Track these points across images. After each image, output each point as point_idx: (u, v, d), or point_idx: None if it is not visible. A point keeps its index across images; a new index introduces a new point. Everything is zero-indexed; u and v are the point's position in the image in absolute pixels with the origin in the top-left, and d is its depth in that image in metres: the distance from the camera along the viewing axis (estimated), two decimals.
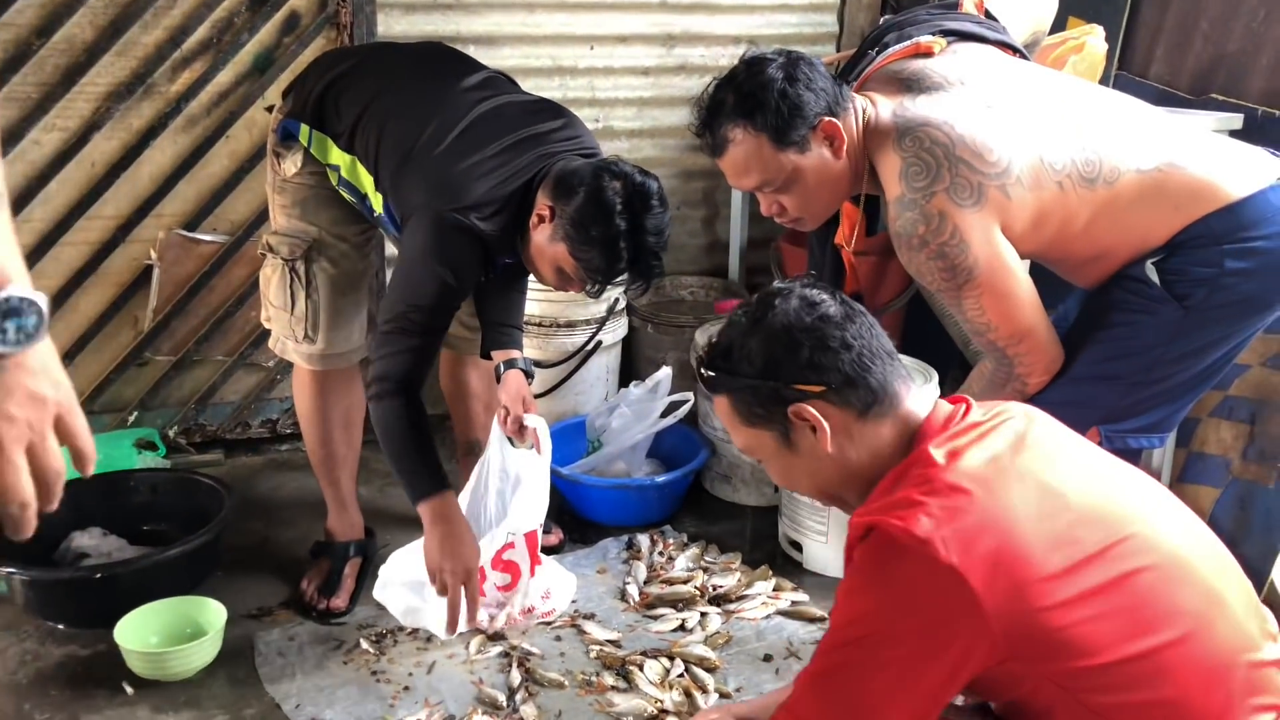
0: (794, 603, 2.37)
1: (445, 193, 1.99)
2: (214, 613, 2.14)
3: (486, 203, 2.00)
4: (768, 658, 2.18)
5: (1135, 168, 1.75)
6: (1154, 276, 1.76)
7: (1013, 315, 1.77)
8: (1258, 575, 2.41)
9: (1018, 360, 1.81)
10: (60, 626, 2.23)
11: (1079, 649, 1.13)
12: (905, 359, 2.73)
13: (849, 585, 1.22)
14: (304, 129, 2.18)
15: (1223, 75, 2.66)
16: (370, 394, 2.06)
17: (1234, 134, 2.41)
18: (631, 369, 3.26)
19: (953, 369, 3.15)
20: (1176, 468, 2.59)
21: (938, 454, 1.21)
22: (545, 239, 2.00)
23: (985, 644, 1.13)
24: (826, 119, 1.77)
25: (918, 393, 1.33)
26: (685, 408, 2.79)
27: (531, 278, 2.24)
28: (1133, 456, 2.52)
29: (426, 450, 2.06)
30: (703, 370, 1.35)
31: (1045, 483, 1.20)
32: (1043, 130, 1.76)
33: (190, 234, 2.90)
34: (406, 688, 2.07)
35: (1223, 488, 2.51)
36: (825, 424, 1.28)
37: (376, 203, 2.14)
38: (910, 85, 1.83)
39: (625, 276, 2.01)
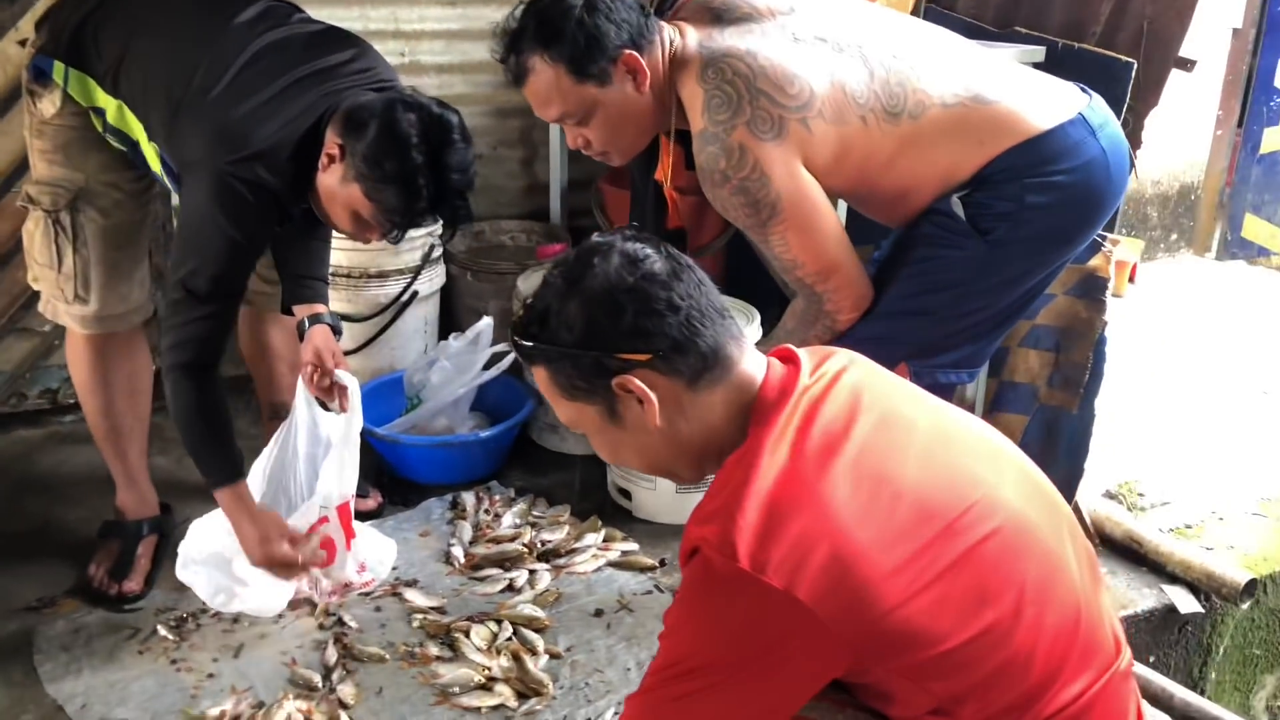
0: (624, 553, 2.32)
1: (225, 143, 1.80)
2: None
3: (271, 149, 1.81)
4: (599, 612, 2.13)
5: (940, 101, 1.74)
6: (959, 211, 1.77)
7: (819, 251, 1.75)
8: (1064, 497, 2.51)
9: (826, 297, 1.79)
10: None
11: (925, 640, 1.09)
12: (726, 299, 2.70)
13: (678, 613, 1.14)
14: (58, 67, 1.93)
15: (1026, 8, 2.71)
16: (164, 371, 1.89)
17: (1037, 66, 2.44)
18: (451, 320, 3.10)
19: (772, 307, 3.15)
20: (988, 397, 2.67)
21: (771, 451, 1.13)
22: (336, 181, 1.83)
23: (829, 657, 1.09)
24: (628, 51, 1.70)
25: (751, 354, 1.24)
26: (509, 359, 2.67)
27: None
28: (944, 391, 2.59)
29: (220, 435, 1.94)
30: (516, 339, 1.23)
31: (882, 469, 1.14)
32: (848, 63, 1.73)
33: None
34: (211, 675, 1.92)
35: (1031, 414, 2.60)
36: (652, 395, 1.18)
37: (151, 155, 1.92)
38: (720, 16, 1.77)
39: (428, 218, 1.87)
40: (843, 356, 1.27)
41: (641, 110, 1.76)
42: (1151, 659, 2.38)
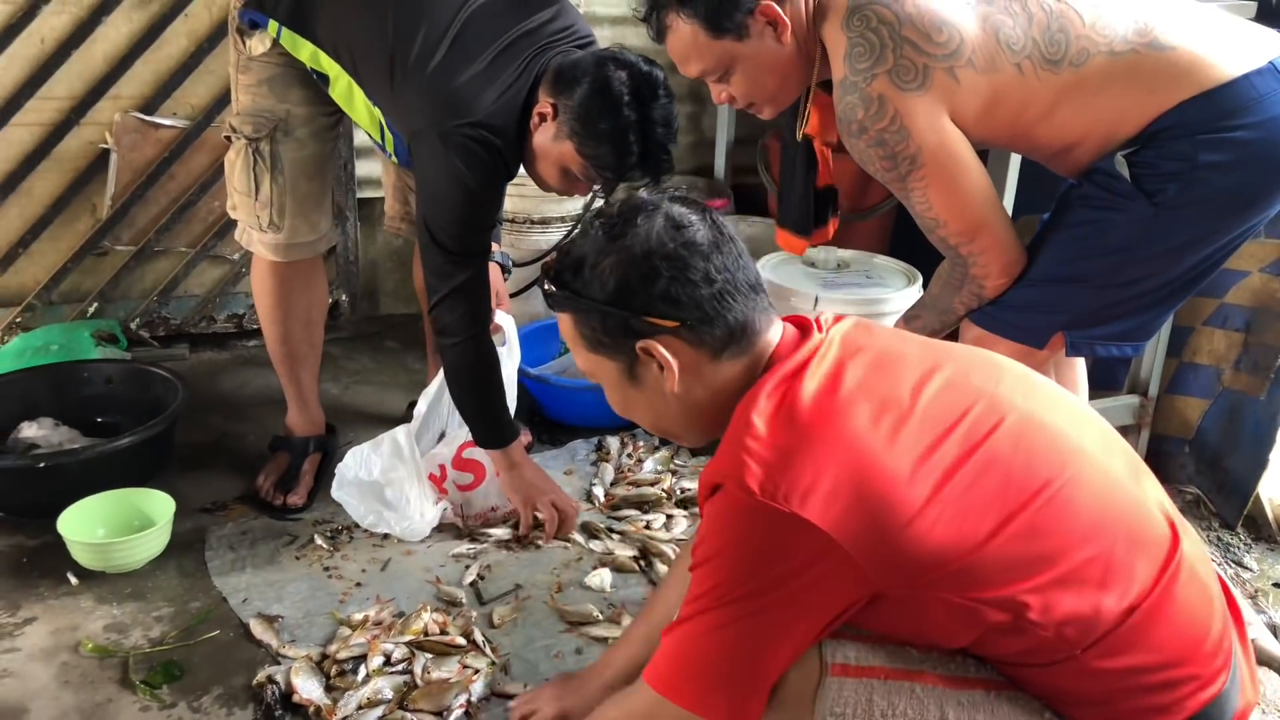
0: None
1: (450, 112, 1.86)
2: (162, 505, 2.08)
3: (492, 114, 1.87)
4: None
5: (1108, 48, 1.60)
6: (1124, 170, 1.62)
7: (962, 209, 1.65)
8: (1243, 488, 2.34)
9: (972, 260, 1.70)
10: (6, 516, 2.17)
11: (953, 548, 1.05)
12: (886, 260, 2.63)
13: (703, 548, 1.13)
14: (273, 25, 2.02)
15: None
16: (444, 346, 2.04)
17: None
18: None
19: None
20: (1165, 378, 2.51)
21: (769, 394, 1.13)
22: (549, 139, 1.88)
23: (852, 579, 1.06)
24: (765, 2, 1.64)
25: (775, 326, 1.23)
26: None
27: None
28: (1105, 367, 2.44)
29: (494, 398, 2.09)
30: (547, 284, 1.22)
31: (882, 391, 1.13)
32: (1003, 5, 1.61)
33: (148, 118, 2.77)
34: (359, 584, 2.02)
35: (1212, 399, 2.42)
36: (674, 363, 1.18)
37: (358, 104, 2.02)
38: None
39: (636, 173, 1.89)
40: (850, 320, 1.26)
41: (783, 62, 1.70)
42: None
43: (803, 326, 1.23)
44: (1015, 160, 2.20)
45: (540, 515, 2.14)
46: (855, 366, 1.15)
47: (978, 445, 1.09)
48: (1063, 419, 1.17)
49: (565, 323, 1.24)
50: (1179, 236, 1.65)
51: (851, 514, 1.04)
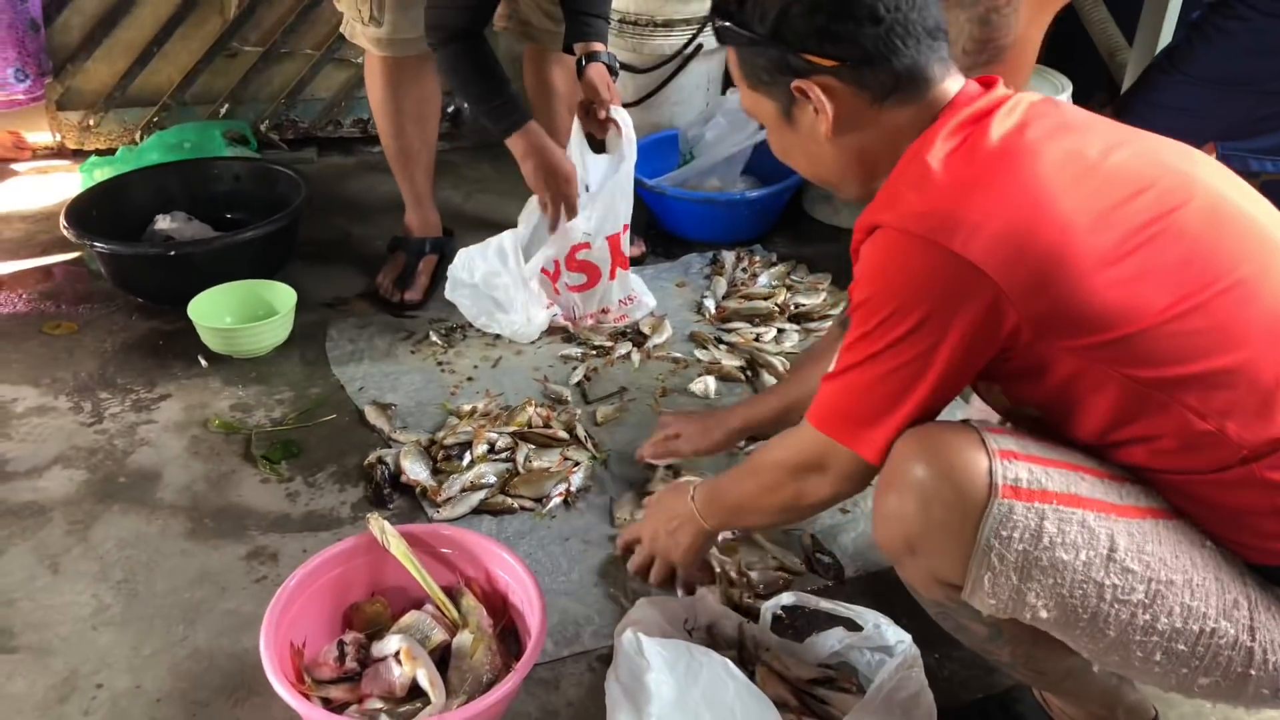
0: None
1: None
2: (285, 296, 2.15)
3: None
4: None
5: None
6: None
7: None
8: None
9: None
10: (144, 302, 2.29)
11: (1117, 316, 0.97)
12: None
13: (861, 290, 1.08)
14: None
15: None
16: (429, 42, 2.00)
17: None
18: None
19: (1098, 93, 2.81)
20: None
21: (948, 137, 1.05)
22: None
23: (1008, 318, 0.99)
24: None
25: (955, 77, 1.12)
26: None
27: None
28: (1255, 181, 2.22)
29: (500, 85, 2.01)
30: (715, 18, 1.17)
31: (1067, 145, 1.03)
32: None
33: None
34: (470, 379, 2.06)
35: None
36: (829, 106, 1.10)
37: None
38: None
39: None
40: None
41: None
42: None
43: (986, 82, 1.14)
44: None
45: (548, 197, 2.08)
46: (1042, 123, 1.07)
47: (1166, 215, 1.00)
48: (1260, 213, 1.07)
49: (730, 56, 1.19)
50: None
51: (1019, 259, 0.98)
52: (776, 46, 1.10)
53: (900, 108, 1.10)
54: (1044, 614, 1.01)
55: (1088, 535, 0.99)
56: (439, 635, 1.33)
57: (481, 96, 2.01)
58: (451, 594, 1.40)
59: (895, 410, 1.07)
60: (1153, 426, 1.01)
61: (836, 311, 2.26)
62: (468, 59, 1.98)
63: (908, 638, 1.33)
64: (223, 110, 2.93)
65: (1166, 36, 2.32)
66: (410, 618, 1.36)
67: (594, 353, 2.13)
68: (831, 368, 1.13)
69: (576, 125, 2.19)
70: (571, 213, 2.09)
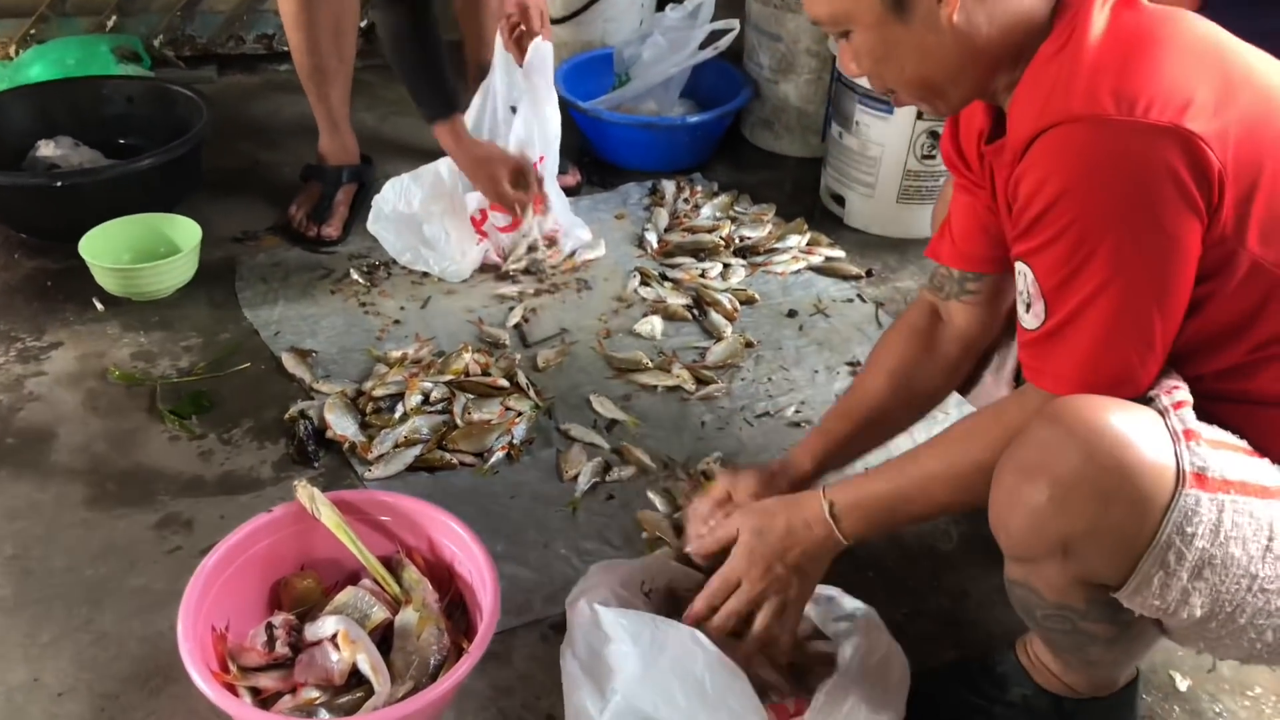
0: (828, 259, 2.14)
1: None
2: (189, 231, 1.96)
3: None
4: (792, 313, 1.98)
5: None
6: None
7: None
8: None
9: None
10: (27, 238, 2.07)
11: None
12: None
13: (1063, 214, 0.91)
14: None
15: None
16: (374, 6, 1.83)
17: None
18: None
19: None
20: None
21: (1099, 9, 0.93)
22: None
23: (1226, 201, 0.89)
24: None
25: None
26: (728, 38, 2.43)
27: None
28: None
29: (434, 65, 1.87)
30: None
31: (1221, 40, 0.95)
32: None
33: None
34: (397, 321, 1.91)
35: None
36: None
37: None
38: None
39: None
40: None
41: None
42: None
43: None
44: None
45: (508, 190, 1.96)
46: (1187, 17, 0.97)
47: None
48: None
49: None
50: None
51: (1234, 126, 0.88)
52: None
53: None
54: (1198, 612, 0.91)
55: (1254, 526, 0.89)
56: (379, 614, 1.21)
57: (415, 68, 1.87)
58: (391, 566, 1.27)
59: (1152, 342, 0.93)
60: None
61: (783, 245, 2.15)
62: (408, 21, 1.83)
63: (864, 605, 1.26)
64: (110, 23, 2.66)
65: None
66: (346, 595, 1.23)
67: (531, 292, 2.00)
68: (1034, 322, 0.97)
69: (499, 41, 2.04)
70: (525, 207, 1.99)
